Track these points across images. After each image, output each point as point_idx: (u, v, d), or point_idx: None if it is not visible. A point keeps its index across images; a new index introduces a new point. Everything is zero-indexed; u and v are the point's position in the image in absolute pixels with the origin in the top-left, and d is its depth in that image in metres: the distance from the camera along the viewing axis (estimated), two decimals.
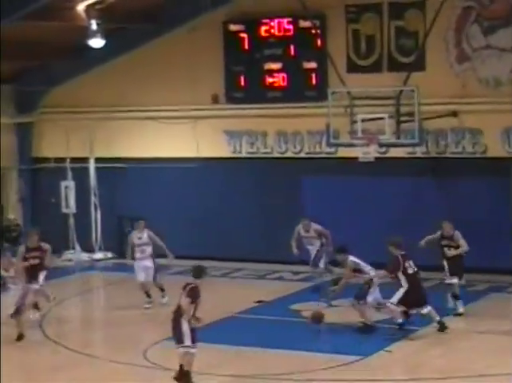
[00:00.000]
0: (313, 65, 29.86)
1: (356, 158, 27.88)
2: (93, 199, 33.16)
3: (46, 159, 34.21)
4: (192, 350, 18.31)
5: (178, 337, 18.40)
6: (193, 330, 18.39)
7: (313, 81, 29.86)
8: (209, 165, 31.28)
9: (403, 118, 27.58)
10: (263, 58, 30.43)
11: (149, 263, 26.35)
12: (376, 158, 27.79)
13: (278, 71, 30.32)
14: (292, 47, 29.98)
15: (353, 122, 27.86)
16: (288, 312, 25.57)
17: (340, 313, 25.01)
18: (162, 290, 26.52)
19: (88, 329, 27.29)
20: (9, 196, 34.95)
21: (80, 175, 33.11)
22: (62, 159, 33.22)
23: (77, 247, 33.58)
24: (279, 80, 30.33)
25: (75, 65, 32.03)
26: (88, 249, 33.56)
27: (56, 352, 23.04)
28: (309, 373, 19.84)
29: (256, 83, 30.59)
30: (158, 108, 31.46)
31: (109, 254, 33.52)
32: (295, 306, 26.06)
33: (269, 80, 30.42)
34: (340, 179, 29.50)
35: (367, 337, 22.76)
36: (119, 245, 32.87)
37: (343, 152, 29.07)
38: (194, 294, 18.42)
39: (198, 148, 31.39)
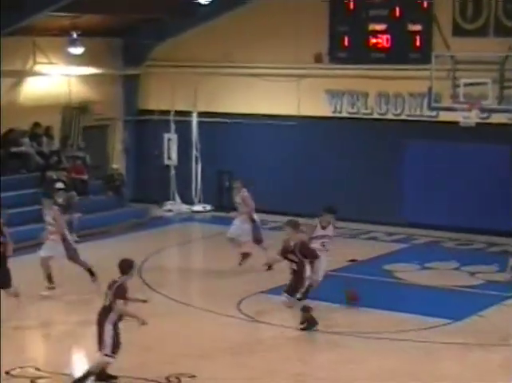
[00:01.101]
0: (417, 27, 29.47)
1: (457, 122, 27.39)
2: (195, 153, 33.29)
3: (151, 112, 34.43)
4: (109, 360, 16.75)
5: (100, 342, 16.72)
6: (117, 337, 16.64)
7: (417, 44, 29.48)
8: (309, 123, 31.18)
9: (507, 84, 27.11)
10: (368, 19, 30.11)
11: (238, 222, 25.95)
12: (477, 123, 27.22)
13: (382, 32, 29.99)
14: (397, 8, 29.60)
15: (456, 86, 27.51)
16: (381, 272, 25.36)
17: (433, 275, 24.91)
18: (259, 242, 25.78)
19: (185, 279, 27.40)
20: (114, 147, 35.33)
21: (183, 129, 33.21)
22: (166, 112, 33.41)
23: (177, 199, 33.83)
24: (383, 41, 30.03)
25: (183, 20, 31.88)
26: (188, 201, 33.76)
27: (152, 299, 23.06)
28: (400, 333, 19.82)
29: (360, 43, 30.33)
30: (262, 65, 31.39)
31: (208, 207, 33.65)
32: (388, 267, 25.85)
33: (373, 41, 30.14)
34: (440, 144, 29.14)
35: (462, 303, 22.34)
36: (218, 198, 33.31)
37: (444, 116, 28.59)
38: (122, 293, 16.73)
39: (300, 106, 31.39)
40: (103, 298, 16.59)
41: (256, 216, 25.94)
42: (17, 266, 23.04)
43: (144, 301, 17.41)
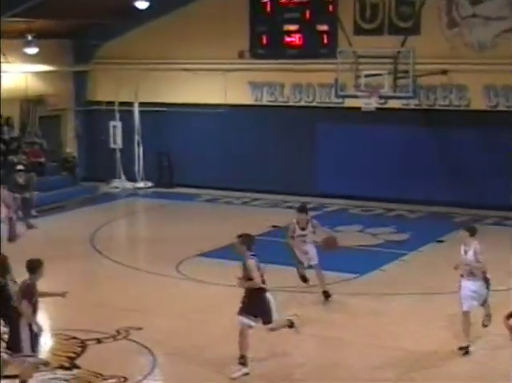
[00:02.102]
0: (325, 27, 30.03)
1: (359, 108, 28.08)
2: (137, 138, 33.43)
3: (98, 103, 34.48)
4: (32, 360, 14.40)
5: (15, 345, 14.14)
6: (35, 336, 14.20)
7: (325, 41, 30.07)
8: (235, 111, 31.47)
9: (399, 75, 27.76)
10: (283, 21, 30.60)
11: None
12: (377, 108, 27.98)
13: (295, 32, 30.53)
14: (307, 11, 30.14)
15: (358, 77, 28.17)
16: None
17: (342, 237, 25.19)
18: None
19: (131, 246, 27.67)
20: (67, 133, 35.34)
21: (127, 117, 33.34)
22: (112, 103, 33.52)
23: (123, 177, 33.92)
24: (296, 39, 30.58)
25: (125, 23, 31.99)
26: (132, 179, 33.85)
27: (102, 264, 23.47)
28: (316, 287, 19.86)
29: (276, 42, 30.82)
30: (194, 61, 31.62)
31: (149, 184, 33.78)
32: None
33: (288, 39, 30.66)
34: (346, 126, 29.74)
35: (366, 260, 23.08)
36: (158, 176, 33.55)
37: (348, 103, 29.19)
38: (29, 294, 14.21)
39: (226, 96, 31.63)
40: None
41: None
42: None
43: (62, 295, 14.60)
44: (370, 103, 27.79)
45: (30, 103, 33.44)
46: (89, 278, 22.38)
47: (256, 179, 30.77)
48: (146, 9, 28.62)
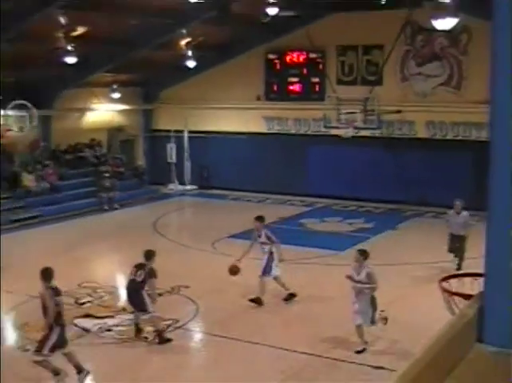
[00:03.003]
0: (316, 79, 30.16)
1: (339, 136, 28.43)
2: (186, 155, 33.49)
3: (159, 131, 34.57)
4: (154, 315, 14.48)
5: (145, 309, 14.30)
6: (151, 301, 14.34)
7: (316, 89, 30.19)
8: (253, 137, 31.67)
9: (368, 113, 28.24)
10: (287, 75, 30.69)
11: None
12: (352, 136, 28.29)
13: (296, 83, 30.68)
14: (305, 69, 30.31)
15: (339, 114, 28.68)
16: (297, 224, 26.00)
17: (327, 225, 25.47)
18: None
19: (181, 229, 27.96)
20: (138, 151, 35.40)
21: (179, 140, 33.43)
22: (169, 131, 33.52)
23: (176, 182, 33.79)
24: (296, 88, 30.67)
25: (178, 75, 32.16)
26: (182, 183, 33.78)
27: (161, 241, 23.74)
28: (308, 259, 20.43)
29: (283, 89, 30.93)
30: (225, 102, 31.58)
31: (194, 187, 33.67)
32: (301, 221, 26.54)
33: (291, 87, 30.79)
34: (331, 148, 29.82)
35: (343, 241, 22.92)
36: (200, 181, 33.54)
37: (332, 132, 29.27)
38: (154, 274, 14.31)
39: (248, 126, 31.80)
40: None
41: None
42: None
43: None
44: (348, 132, 28.21)
45: (114, 130, 33.77)
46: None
47: (267, 184, 31.05)
48: (193, 67, 28.78)
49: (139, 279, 14.20)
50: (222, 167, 32.16)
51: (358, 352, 13.33)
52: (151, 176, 34.05)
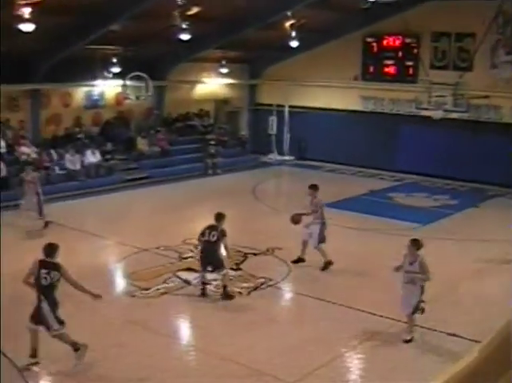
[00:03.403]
0: (410, 63, 29.59)
1: (430, 117, 27.91)
2: (286, 128, 33.40)
3: (262, 104, 34.59)
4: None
5: (221, 265, 14.50)
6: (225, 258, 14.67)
7: (410, 72, 29.64)
8: (349, 115, 31.38)
9: (458, 97, 27.52)
10: (383, 57, 30.24)
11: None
12: (442, 118, 27.70)
13: (391, 65, 30.17)
14: (400, 52, 29.81)
15: (430, 97, 27.95)
16: (385, 197, 25.63)
17: (414, 200, 25.17)
18: None
19: (277, 195, 28.09)
20: (242, 122, 35.51)
21: (280, 114, 33.38)
22: (271, 105, 33.53)
23: (275, 152, 33.78)
24: (391, 70, 30.19)
25: (281, 54, 32.10)
26: (281, 153, 33.76)
27: (258, 206, 23.82)
28: (397, 230, 20.09)
29: (378, 71, 30.50)
30: (324, 80, 31.43)
31: (292, 157, 33.58)
32: (390, 194, 26.13)
33: (386, 69, 30.29)
34: (421, 128, 29.18)
35: (429, 215, 22.64)
36: (297, 152, 33.43)
37: (424, 113, 28.53)
38: (225, 234, 14.36)
39: (344, 104, 31.53)
40: None
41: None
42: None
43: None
44: (437, 114, 27.63)
45: (221, 102, 34.03)
46: (249, 215, 22.66)
47: (360, 158, 30.89)
48: (296, 47, 28.65)
49: (213, 239, 14.30)
50: (318, 140, 32.00)
51: (406, 341, 12.39)
52: (253, 146, 34.12)
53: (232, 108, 34.72)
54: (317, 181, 28.07)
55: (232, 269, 16.15)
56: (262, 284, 15.37)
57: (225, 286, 14.45)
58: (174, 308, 14.16)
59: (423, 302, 12.44)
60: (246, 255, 17.45)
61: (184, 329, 13.58)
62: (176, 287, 15.11)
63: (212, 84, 32.95)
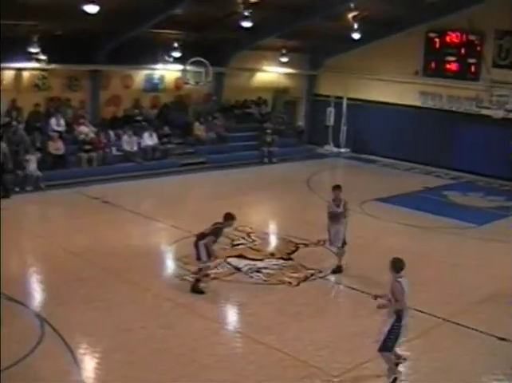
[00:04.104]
0: (473, 60, 29.01)
1: (490, 116, 27.48)
2: (343, 119, 33.20)
3: (321, 95, 34.31)
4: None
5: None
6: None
7: (472, 70, 29.09)
8: (407, 109, 30.93)
9: None
10: (446, 54, 29.73)
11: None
12: (503, 118, 27.38)
13: (453, 62, 29.63)
14: (463, 49, 29.28)
15: (491, 95, 27.63)
16: (440, 195, 25.28)
17: (469, 199, 24.84)
18: None
19: (331, 186, 27.93)
20: (300, 113, 35.34)
21: (338, 106, 33.19)
22: (329, 96, 33.37)
23: (331, 144, 33.62)
24: (453, 67, 29.69)
25: (342, 46, 31.87)
26: (337, 145, 33.60)
27: (311, 197, 23.79)
28: (443, 228, 19.93)
29: (440, 67, 29.99)
30: (383, 74, 31.11)
31: (348, 150, 33.39)
32: (445, 192, 25.75)
33: (448, 66, 29.78)
34: (480, 127, 28.56)
35: (483, 216, 22.26)
36: (353, 145, 33.21)
37: (484, 112, 28.30)
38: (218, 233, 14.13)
39: (403, 98, 31.06)
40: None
41: None
42: None
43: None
44: (498, 113, 27.30)
45: (279, 91, 33.94)
46: (302, 205, 22.57)
47: (416, 154, 30.51)
48: (358, 39, 28.45)
49: (206, 232, 14.02)
50: (375, 134, 31.75)
51: None
52: (309, 136, 34.01)
53: (290, 98, 34.58)
54: (372, 175, 28.65)
55: (283, 258, 16.26)
56: (312, 275, 15.37)
57: (196, 280, 14.11)
58: (223, 294, 14.25)
59: (394, 342, 10.37)
60: (297, 246, 17.43)
61: (232, 316, 13.62)
62: (226, 273, 15.19)
63: (271, 73, 32.89)
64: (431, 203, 23.50)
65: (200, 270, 14.11)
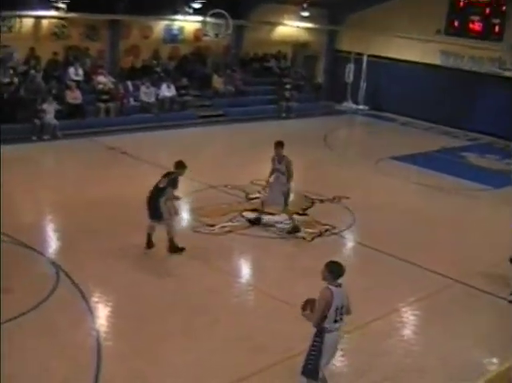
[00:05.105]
0: (497, 20, 28.57)
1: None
2: (362, 76, 32.91)
3: (341, 51, 34.04)
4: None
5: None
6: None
7: (496, 30, 28.65)
8: (428, 68, 30.62)
9: None
10: (469, 13, 29.30)
11: None
12: None
13: (477, 21, 29.19)
14: (487, 9, 28.82)
15: None
16: (458, 156, 25.12)
17: (486, 161, 24.69)
18: None
19: (347, 145, 27.86)
20: (319, 68, 35.01)
21: (358, 62, 32.91)
22: (349, 52, 33.10)
23: (350, 100, 33.43)
24: (476, 26, 29.28)
25: (364, 2, 31.60)
26: (355, 102, 33.38)
27: (327, 153, 23.72)
28: (459, 189, 19.95)
29: (463, 26, 29.57)
30: (404, 32, 30.62)
31: (366, 107, 33.16)
32: (462, 153, 25.64)
33: (471, 26, 29.37)
34: (501, 89, 28.34)
35: (499, 178, 22.10)
36: (372, 102, 32.98)
37: (506, 73, 27.83)
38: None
39: (424, 57, 30.72)
40: None
41: None
42: None
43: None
44: None
45: (299, 46, 33.74)
46: (319, 161, 22.63)
47: (435, 114, 30.26)
48: None
49: (160, 186, 13.05)
50: (394, 92, 31.46)
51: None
52: (328, 92, 33.76)
53: (310, 53, 34.34)
54: (389, 133, 28.51)
55: (298, 214, 16.32)
56: (327, 231, 15.45)
57: (170, 239, 13.38)
58: (237, 247, 14.36)
59: (315, 364, 8.42)
60: (313, 201, 17.51)
61: (245, 269, 13.75)
62: (241, 227, 15.30)
63: (292, 27, 32.65)
64: (447, 164, 23.41)
65: (168, 230, 13.32)
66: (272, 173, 15.17)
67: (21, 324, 10.26)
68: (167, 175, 13.18)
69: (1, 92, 22.26)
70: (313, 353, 8.33)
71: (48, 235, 14.52)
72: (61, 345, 9.83)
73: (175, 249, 13.40)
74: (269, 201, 15.39)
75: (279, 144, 15.05)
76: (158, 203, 12.93)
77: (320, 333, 8.30)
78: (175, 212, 13.47)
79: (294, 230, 15.23)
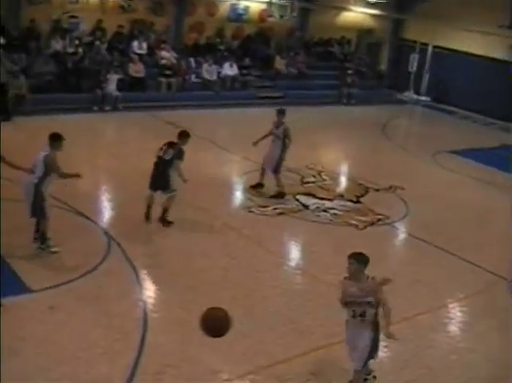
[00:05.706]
0: None
1: None
2: (426, 67, 32.44)
3: (406, 40, 33.66)
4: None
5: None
6: None
7: None
8: (493, 63, 29.73)
9: None
10: None
11: None
12: None
13: None
14: None
15: None
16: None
17: None
18: None
19: (407, 135, 27.54)
20: (383, 55, 34.56)
21: (423, 52, 32.45)
22: (415, 42, 32.62)
23: (412, 91, 33.02)
24: None
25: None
26: (417, 93, 32.96)
27: (385, 144, 23.54)
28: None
29: None
30: (474, 25, 29.65)
31: (428, 98, 32.68)
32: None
33: None
34: None
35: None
36: (434, 94, 32.52)
37: None
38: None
39: (490, 52, 29.99)
40: None
41: None
42: None
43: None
44: None
45: (364, 32, 33.43)
46: (376, 150, 22.39)
47: (497, 110, 29.39)
48: None
49: (166, 158, 12.95)
50: (457, 85, 30.95)
51: None
52: (390, 81, 33.39)
53: (374, 40, 33.99)
54: (449, 126, 28.07)
55: (352, 201, 16.27)
56: (379, 220, 15.34)
57: (165, 209, 13.33)
58: (289, 229, 14.37)
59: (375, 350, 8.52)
60: (367, 189, 17.40)
61: (296, 252, 13.74)
62: (294, 209, 15.30)
63: (358, 13, 32.35)
64: (505, 161, 22.92)
65: (168, 201, 13.34)
66: (268, 135, 15.94)
67: (70, 290, 10.44)
68: (171, 146, 13.10)
69: (66, 61, 22.60)
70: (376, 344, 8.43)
71: (103, 205, 14.72)
72: (108, 314, 9.96)
73: (167, 221, 13.39)
74: (263, 160, 16.08)
75: (280, 112, 15.99)
76: (167, 175, 13.01)
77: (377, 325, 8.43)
78: (183, 181, 13.14)
79: (279, 195, 15.75)
